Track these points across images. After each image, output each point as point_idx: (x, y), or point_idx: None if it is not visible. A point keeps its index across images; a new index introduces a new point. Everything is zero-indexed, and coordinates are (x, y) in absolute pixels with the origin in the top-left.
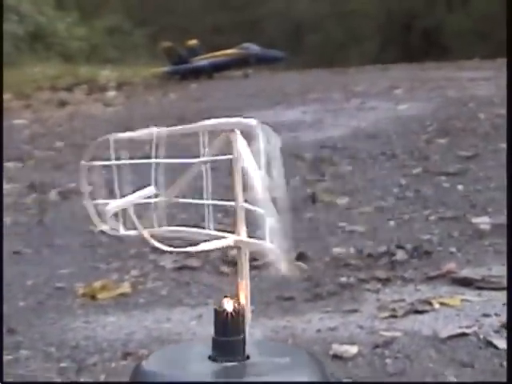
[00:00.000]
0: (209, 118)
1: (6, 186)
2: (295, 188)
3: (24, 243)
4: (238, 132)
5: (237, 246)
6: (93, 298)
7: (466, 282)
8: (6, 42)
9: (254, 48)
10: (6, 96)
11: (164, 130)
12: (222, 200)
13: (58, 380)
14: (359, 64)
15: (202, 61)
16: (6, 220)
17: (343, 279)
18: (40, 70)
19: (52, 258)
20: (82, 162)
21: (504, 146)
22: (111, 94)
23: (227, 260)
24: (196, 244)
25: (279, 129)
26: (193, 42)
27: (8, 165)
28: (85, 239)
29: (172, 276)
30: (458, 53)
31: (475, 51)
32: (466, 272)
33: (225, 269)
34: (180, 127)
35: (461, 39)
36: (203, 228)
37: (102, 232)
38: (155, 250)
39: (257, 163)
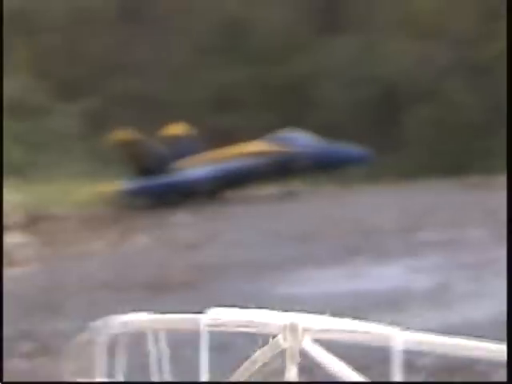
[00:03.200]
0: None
1: None
2: None
3: None
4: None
5: None
6: None
7: None
8: None
9: (302, 139)
10: None
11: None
12: None
13: None
14: None
15: (194, 168)
16: None
17: None
18: None
19: None
20: None
21: None
22: (14, 239)
23: None
24: None
25: (361, 308)
26: (177, 127)
27: None
28: None
29: None
30: None
31: None
32: None
33: None
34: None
35: None
36: None
37: None
38: None
39: None
